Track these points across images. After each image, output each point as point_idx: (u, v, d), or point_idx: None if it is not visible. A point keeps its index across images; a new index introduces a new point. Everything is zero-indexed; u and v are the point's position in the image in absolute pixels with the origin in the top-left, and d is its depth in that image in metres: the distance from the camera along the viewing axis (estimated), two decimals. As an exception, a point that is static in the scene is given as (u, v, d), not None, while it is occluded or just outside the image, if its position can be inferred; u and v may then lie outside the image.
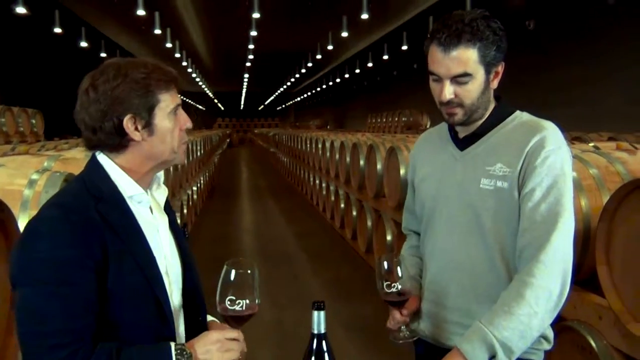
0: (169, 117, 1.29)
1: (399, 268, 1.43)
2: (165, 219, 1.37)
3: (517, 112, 1.49)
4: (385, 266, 1.43)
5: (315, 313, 1.20)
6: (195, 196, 8.91)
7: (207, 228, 8.42)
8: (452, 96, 1.41)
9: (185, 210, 7.25)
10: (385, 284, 1.42)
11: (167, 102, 1.28)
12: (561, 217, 1.34)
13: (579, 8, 9.64)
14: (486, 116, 1.48)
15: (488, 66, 1.39)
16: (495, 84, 1.44)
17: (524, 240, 1.37)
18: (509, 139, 1.43)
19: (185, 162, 7.37)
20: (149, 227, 1.29)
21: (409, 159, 1.76)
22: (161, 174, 1.41)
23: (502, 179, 1.39)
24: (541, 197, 1.35)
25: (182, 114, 1.34)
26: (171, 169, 5.86)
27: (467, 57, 1.36)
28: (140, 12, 10.63)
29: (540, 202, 1.35)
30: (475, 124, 1.48)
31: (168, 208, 1.42)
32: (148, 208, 1.32)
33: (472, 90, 1.39)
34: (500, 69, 1.43)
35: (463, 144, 1.51)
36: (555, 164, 1.35)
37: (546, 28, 10.61)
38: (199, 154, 9.70)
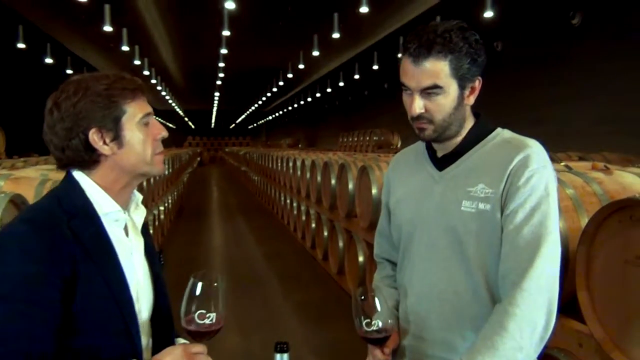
0: (139, 127, 1.23)
1: (377, 302, 1.30)
2: (141, 241, 1.30)
3: (499, 130, 1.40)
4: (363, 301, 1.30)
5: (278, 356, 1.05)
6: (162, 216, 8.65)
7: (174, 249, 8.15)
8: (422, 110, 1.32)
9: (151, 231, 7.00)
10: (364, 321, 1.29)
11: (135, 111, 1.22)
12: (545, 241, 1.24)
13: (546, 30, 9.83)
14: (464, 134, 1.38)
15: (462, 80, 1.30)
16: (471, 100, 1.35)
17: (506, 266, 1.26)
18: (491, 157, 1.33)
19: (152, 181, 7.16)
20: (123, 248, 1.23)
21: (384, 180, 1.64)
22: (139, 195, 1.34)
23: (485, 200, 1.29)
24: (524, 219, 1.25)
25: (155, 123, 1.27)
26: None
27: (438, 69, 1.27)
28: (107, 28, 10.40)
29: (523, 225, 1.25)
30: (453, 141, 1.38)
31: (145, 231, 1.35)
32: (123, 228, 1.25)
33: (444, 105, 1.30)
34: (478, 84, 1.34)
35: (441, 163, 1.40)
36: (539, 184, 1.26)
37: (514, 49, 10.80)
38: (166, 172, 9.44)
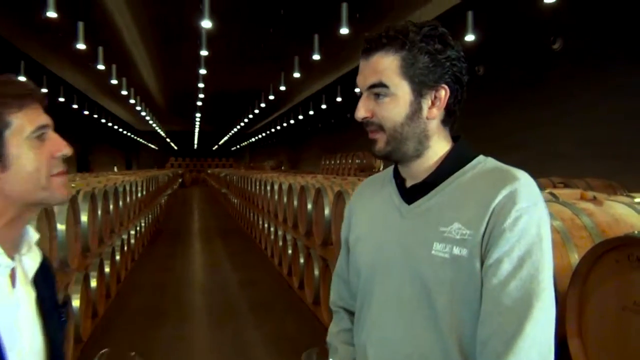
0: (29, 143, 0.97)
1: None
2: (31, 294, 1.02)
3: (480, 158, 1.15)
4: None
5: None
6: (132, 241, 8.30)
7: (144, 275, 7.78)
8: (368, 114, 1.12)
9: (117, 257, 6.65)
10: None
11: (23, 124, 0.96)
12: (538, 300, 0.98)
13: (527, 55, 9.81)
14: (434, 159, 1.14)
15: (417, 84, 1.08)
16: (434, 113, 1.11)
17: (487, 330, 1.00)
18: (470, 191, 1.08)
19: (113, 206, 6.83)
20: (4, 303, 0.96)
21: (345, 211, 1.38)
22: (34, 234, 1.07)
23: (461, 244, 1.04)
24: (511, 272, 0.99)
25: (54, 138, 1.01)
26: (98, 212, 5.32)
27: (385, 64, 1.08)
28: (81, 45, 10.12)
29: (510, 279, 0.99)
30: (422, 166, 1.14)
31: (43, 278, 1.06)
32: (7, 276, 0.97)
33: (392, 110, 1.09)
34: (444, 95, 1.10)
35: (411, 195, 1.15)
36: (529, 226, 1.01)
37: (495, 73, 10.76)
38: (139, 195, 9.10)
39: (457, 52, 1.10)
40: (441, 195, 1.11)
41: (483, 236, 1.02)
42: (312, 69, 15.64)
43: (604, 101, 7.89)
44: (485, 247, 1.02)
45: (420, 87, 1.08)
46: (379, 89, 1.09)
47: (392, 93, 1.08)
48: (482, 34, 9.89)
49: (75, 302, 4.44)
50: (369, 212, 1.24)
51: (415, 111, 1.09)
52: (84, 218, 4.75)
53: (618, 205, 2.25)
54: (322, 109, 21.37)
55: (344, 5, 8.75)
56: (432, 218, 1.09)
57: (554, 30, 8.91)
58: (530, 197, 1.03)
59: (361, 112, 1.12)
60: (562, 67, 8.87)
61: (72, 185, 6.12)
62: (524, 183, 1.04)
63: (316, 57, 11.59)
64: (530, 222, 1.01)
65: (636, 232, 1.58)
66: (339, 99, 18.84)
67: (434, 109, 1.11)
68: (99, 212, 5.37)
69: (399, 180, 1.20)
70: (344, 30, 9.38)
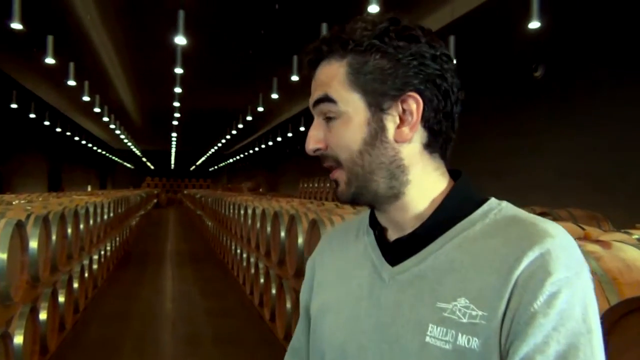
0: None
1: None
2: None
3: (492, 202, 0.80)
4: None
5: None
6: (95, 266, 7.80)
7: (105, 303, 7.28)
8: (319, 144, 0.82)
9: (75, 285, 6.17)
10: None
11: None
12: None
13: (508, 81, 9.72)
14: (425, 202, 0.81)
15: (375, 97, 0.78)
16: (405, 134, 0.78)
17: None
18: (481, 251, 0.74)
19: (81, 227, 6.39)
20: None
21: (306, 267, 1.02)
22: None
23: (469, 330, 0.70)
24: None
25: None
26: (52, 237, 4.88)
27: (330, 74, 0.80)
28: (50, 60, 9.71)
29: None
30: (406, 211, 0.81)
31: None
32: None
33: (344, 134, 0.79)
34: (415, 107, 0.77)
35: (395, 252, 0.81)
36: (572, 307, 0.67)
37: (474, 99, 10.65)
38: (105, 217, 8.63)
39: (434, 49, 0.79)
40: (439, 256, 0.77)
41: (503, 321, 0.69)
42: (291, 91, 15.42)
43: (585, 130, 7.78)
44: (506, 338, 0.68)
45: (377, 98, 0.78)
46: (326, 105, 0.79)
47: (342, 111, 0.79)
48: (464, 59, 9.79)
49: (18, 339, 4.00)
50: (339, 273, 0.90)
51: (376, 132, 0.78)
52: (33, 244, 4.34)
53: (628, 247, 1.97)
54: (300, 131, 21.18)
55: (324, 26, 8.55)
56: (427, 288, 0.75)
57: (536, 58, 8.83)
58: (570, 264, 0.69)
59: (310, 143, 0.82)
60: (544, 94, 8.78)
61: (28, 207, 5.69)
62: (561, 243, 0.70)
63: (295, 78, 11.37)
64: (572, 301, 0.67)
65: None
66: (318, 122, 18.67)
67: (404, 127, 0.78)
68: (54, 237, 4.94)
69: (377, 229, 0.86)
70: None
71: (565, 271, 0.68)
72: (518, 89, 9.39)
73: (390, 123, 0.78)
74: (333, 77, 0.79)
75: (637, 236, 2.79)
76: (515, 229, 0.74)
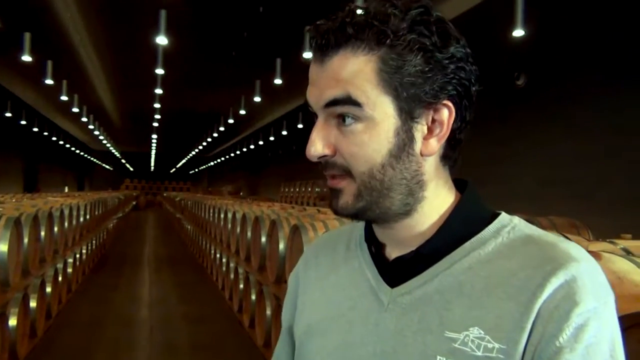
0: None
1: None
2: None
3: (504, 218, 0.71)
4: None
5: None
6: (70, 270, 7.60)
7: (79, 310, 7.08)
8: (327, 150, 0.69)
9: (48, 290, 5.98)
10: None
11: None
12: None
13: (490, 90, 9.76)
14: (432, 219, 0.72)
15: (409, 103, 0.66)
16: (432, 147, 0.69)
17: None
18: (494, 275, 0.66)
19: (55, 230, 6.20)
20: None
21: (289, 282, 0.91)
22: None
23: None
24: None
25: None
26: (24, 240, 4.72)
27: (353, 68, 0.66)
28: (27, 57, 9.48)
29: None
30: (412, 228, 0.72)
31: None
32: None
33: (366, 142, 0.67)
34: (448, 117, 0.68)
35: (395, 272, 0.72)
36: (599, 342, 0.60)
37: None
38: (81, 219, 8.42)
39: (464, 49, 0.69)
40: (445, 278, 0.68)
41: (523, 355, 0.61)
42: (273, 94, 15.34)
43: (566, 139, 7.83)
44: None
45: (410, 104, 0.66)
46: (345, 107, 0.66)
47: (367, 116, 0.66)
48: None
49: (-15, 346, 3.84)
50: (327, 292, 0.79)
51: (404, 144, 0.67)
52: (3, 247, 4.18)
53: (618, 259, 1.93)
54: (283, 135, 21.09)
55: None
56: (433, 314, 0.67)
57: (518, 67, 8.89)
58: (598, 292, 0.62)
59: (317, 148, 0.69)
60: (526, 103, 8.83)
61: (-1, 208, 5.50)
62: (587, 268, 0.62)
63: (278, 81, 11.29)
64: (600, 335, 0.60)
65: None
66: (300, 126, 18.61)
67: (432, 139, 0.69)
68: (25, 240, 4.77)
69: (374, 245, 0.77)
70: (307, 55, 9.13)
71: (593, 301, 0.61)
72: (500, 98, 9.44)
73: (419, 133, 0.69)
74: (357, 72, 0.66)
75: (621, 246, 2.77)
76: (534, 250, 0.65)
